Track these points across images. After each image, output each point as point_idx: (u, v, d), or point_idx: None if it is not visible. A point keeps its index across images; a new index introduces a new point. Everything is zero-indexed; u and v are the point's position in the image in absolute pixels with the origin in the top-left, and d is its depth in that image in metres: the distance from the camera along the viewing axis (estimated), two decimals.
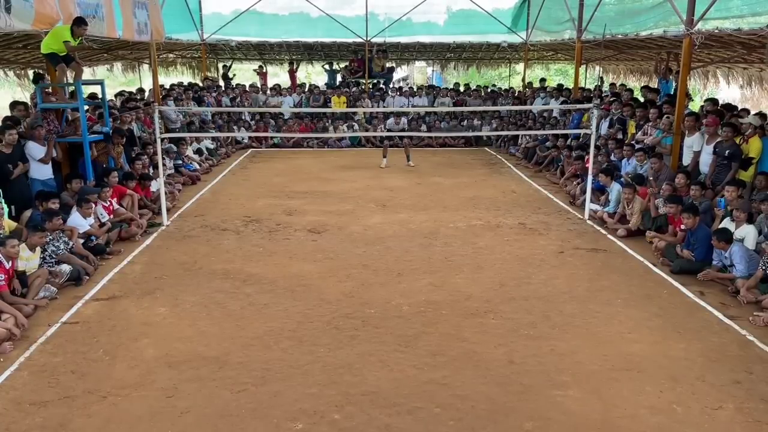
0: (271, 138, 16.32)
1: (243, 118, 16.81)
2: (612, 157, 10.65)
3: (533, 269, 7.00)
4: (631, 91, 13.51)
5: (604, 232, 8.50)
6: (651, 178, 8.86)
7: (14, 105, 9.38)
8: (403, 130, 15.86)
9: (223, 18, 18.59)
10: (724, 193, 7.30)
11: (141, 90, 15.60)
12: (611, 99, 12.81)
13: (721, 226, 6.91)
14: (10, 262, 5.74)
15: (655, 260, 7.31)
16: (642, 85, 17.63)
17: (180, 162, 12.07)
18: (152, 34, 12.68)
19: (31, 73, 14.07)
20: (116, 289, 6.40)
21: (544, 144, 13.72)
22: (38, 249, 6.27)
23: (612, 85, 17.54)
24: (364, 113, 16.63)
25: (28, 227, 6.50)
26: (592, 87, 16.90)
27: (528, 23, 18.40)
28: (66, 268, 6.39)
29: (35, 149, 7.91)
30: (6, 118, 8.40)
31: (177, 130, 13.61)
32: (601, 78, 18.98)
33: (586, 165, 9.50)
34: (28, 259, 6.10)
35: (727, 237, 6.45)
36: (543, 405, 4.29)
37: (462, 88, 18.91)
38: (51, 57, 8.19)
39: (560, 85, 17.90)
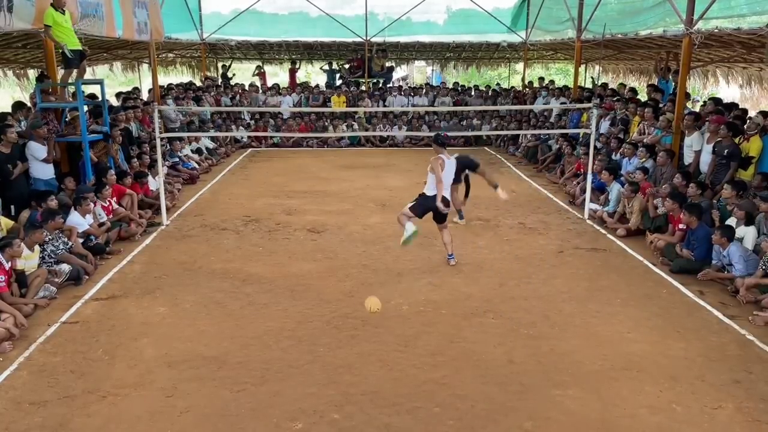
0: (271, 137, 16.32)
1: (242, 117, 16.81)
2: (613, 156, 10.66)
3: (533, 269, 7.00)
4: (634, 90, 13.50)
5: (603, 231, 8.50)
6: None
7: (17, 107, 9.34)
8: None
9: (222, 17, 18.60)
10: (722, 193, 7.29)
11: (137, 89, 15.59)
12: (615, 99, 12.80)
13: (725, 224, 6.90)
14: (10, 263, 5.74)
15: (654, 260, 7.31)
16: (641, 84, 17.67)
17: (177, 160, 12.06)
18: (152, 34, 12.68)
19: (31, 73, 14.08)
20: (116, 289, 6.40)
21: (546, 143, 13.72)
22: (37, 248, 6.28)
23: (605, 84, 17.50)
24: (364, 113, 16.63)
25: (27, 227, 6.50)
26: (589, 87, 16.88)
27: (528, 23, 18.40)
28: (65, 267, 6.39)
29: (37, 149, 7.89)
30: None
31: (176, 130, 13.61)
32: (593, 78, 19.03)
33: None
34: (27, 258, 6.10)
35: (729, 234, 6.45)
36: (542, 404, 4.30)
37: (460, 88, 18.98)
38: (66, 58, 8.14)
39: (546, 81, 17.93)
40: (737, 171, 7.82)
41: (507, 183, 11.89)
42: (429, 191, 6.79)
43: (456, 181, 8.48)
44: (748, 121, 8.47)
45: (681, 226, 7.24)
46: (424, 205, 6.82)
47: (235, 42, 18.94)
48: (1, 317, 5.26)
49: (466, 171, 8.75)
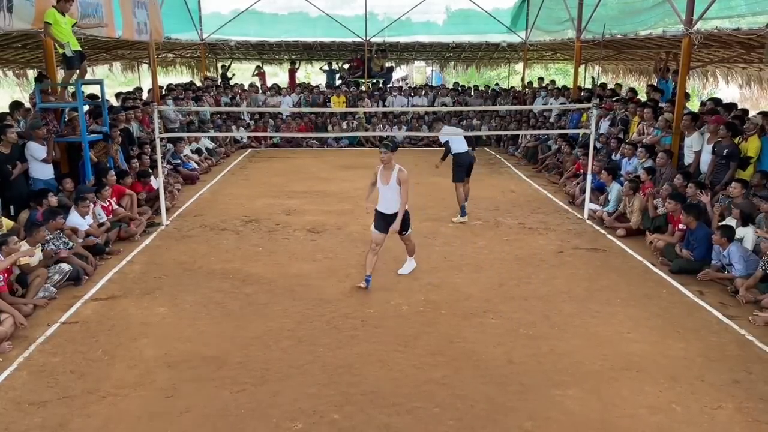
0: (271, 138, 16.32)
1: (242, 117, 16.81)
2: (613, 156, 10.66)
3: (532, 269, 7.00)
4: (634, 90, 13.51)
5: (603, 231, 8.50)
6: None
7: (15, 106, 9.34)
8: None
9: (222, 18, 18.61)
10: (729, 191, 7.25)
11: (139, 89, 15.59)
12: (615, 99, 12.80)
13: (723, 223, 6.90)
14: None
15: (654, 260, 7.31)
16: (640, 84, 17.67)
17: (179, 161, 12.07)
18: (151, 34, 12.67)
19: (30, 73, 14.07)
20: (115, 289, 6.39)
21: (546, 143, 13.73)
22: (39, 245, 6.27)
23: (604, 84, 17.50)
24: (364, 113, 16.63)
25: (27, 226, 6.50)
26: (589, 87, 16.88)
27: (527, 23, 18.41)
28: (65, 266, 6.39)
29: (37, 149, 7.89)
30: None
31: (176, 130, 13.61)
32: (593, 78, 19.02)
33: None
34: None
35: (729, 234, 6.46)
36: (542, 404, 4.30)
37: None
38: (67, 58, 8.14)
39: (546, 81, 17.92)
40: (737, 171, 7.82)
41: (506, 183, 11.92)
42: (397, 207, 6.31)
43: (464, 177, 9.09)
44: (746, 121, 8.48)
45: (681, 226, 7.23)
46: (407, 220, 6.46)
47: (235, 42, 18.94)
48: (1, 317, 5.25)
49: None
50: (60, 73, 8.77)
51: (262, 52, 21.18)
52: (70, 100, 8.97)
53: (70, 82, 8.52)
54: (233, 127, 16.35)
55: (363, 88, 18.84)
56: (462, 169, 9.03)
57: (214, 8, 18.75)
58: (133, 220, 8.34)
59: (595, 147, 9.51)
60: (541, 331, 5.43)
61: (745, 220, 6.78)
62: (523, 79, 20.22)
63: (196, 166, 12.53)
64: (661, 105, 10.78)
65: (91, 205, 7.58)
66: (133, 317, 5.70)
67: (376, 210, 6.49)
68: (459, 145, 9.08)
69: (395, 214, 6.32)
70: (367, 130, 16.71)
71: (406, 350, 5.07)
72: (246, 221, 8.99)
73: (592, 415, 4.17)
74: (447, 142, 9.07)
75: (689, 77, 11.78)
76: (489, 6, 18.82)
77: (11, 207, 7.43)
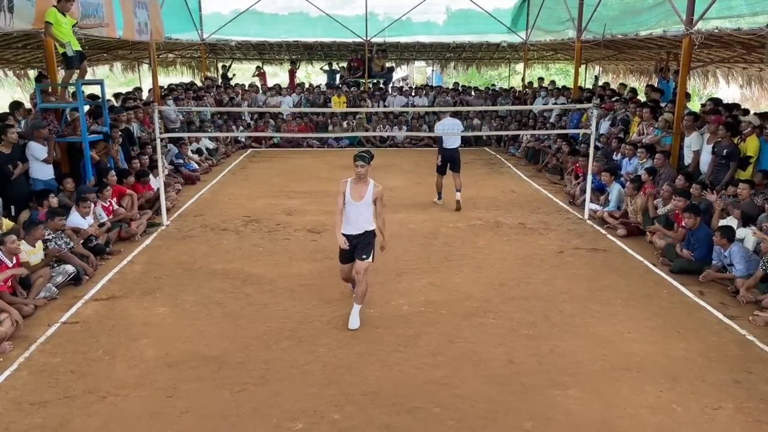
0: (271, 138, 16.32)
1: (242, 117, 16.81)
2: (613, 156, 10.66)
3: (533, 269, 7.00)
4: (634, 90, 13.52)
5: (603, 232, 8.50)
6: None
7: (15, 106, 9.34)
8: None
9: (222, 18, 18.62)
10: (738, 192, 7.23)
11: (138, 89, 15.59)
12: (614, 99, 12.81)
13: (723, 223, 6.89)
14: (14, 259, 5.77)
15: (655, 260, 7.31)
16: (641, 84, 17.67)
17: (181, 161, 12.08)
18: (152, 34, 12.68)
19: (31, 73, 14.08)
20: (116, 289, 6.40)
21: (545, 143, 13.73)
22: (39, 243, 6.29)
23: (605, 84, 17.52)
24: (365, 113, 16.64)
25: (26, 225, 6.52)
26: (590, 87, 16.89)
27: (528, 23, 18.41)
28: (69, 267, 6.39)
29: (37, 150, 7.90)
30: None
31: (177, 130, 13.61)
32: (596, 77, 19.07)
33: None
34: (30, 253, 6.13)
35: (730, 235, 6.46)
36: (543, 405, 4.30)
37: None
38: (68, 58, 8.15)
39: (547, 81, 17.95)
40: (736, 171, 7.83)
41: (507, 183, 11.92)
42: (370, 225, 5.49)
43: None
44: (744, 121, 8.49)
45: (683, 223, 7.22)
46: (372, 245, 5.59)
47: (235, 42, 18.95)
48: (1, 317, 5.26)
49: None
50: (60, 73, 8.77)
51: (262, 52, 21.18)
52: (71, 100, 8.98)
53: (71, 82, 8.52)
54: (233, 127, 16.35)
55: (363, 88, 18.84)
56: (442, 162, 9.58)
57: (215, 8, 18.78)
58: (134, 221, 8.34)
59: (595, 147, 9.51)
60: (541, 331, 5.43)
61: (746, 220, 6.77)
62: (523, 79, 20.22)
63: (197, 167, 12.53)
64: (661, 105, 10.79)
65: (92, 205, 7.59)
66: (134, 317, 5.71)
67: (342, 235, 5.53)
68: (448, 141, 9.50)
69: (365, 234, 5.47)
70: (367, 130, 16.71)
71: (406, 350, 5.07)
72: (246, 221, 8.99)
73: (593, 415, 4.17)
74: (441, 138, 9.56)
75: (690, 77, 11.79)
76: (489, 6, 18.84)
77: (12, 207, 7.44)
